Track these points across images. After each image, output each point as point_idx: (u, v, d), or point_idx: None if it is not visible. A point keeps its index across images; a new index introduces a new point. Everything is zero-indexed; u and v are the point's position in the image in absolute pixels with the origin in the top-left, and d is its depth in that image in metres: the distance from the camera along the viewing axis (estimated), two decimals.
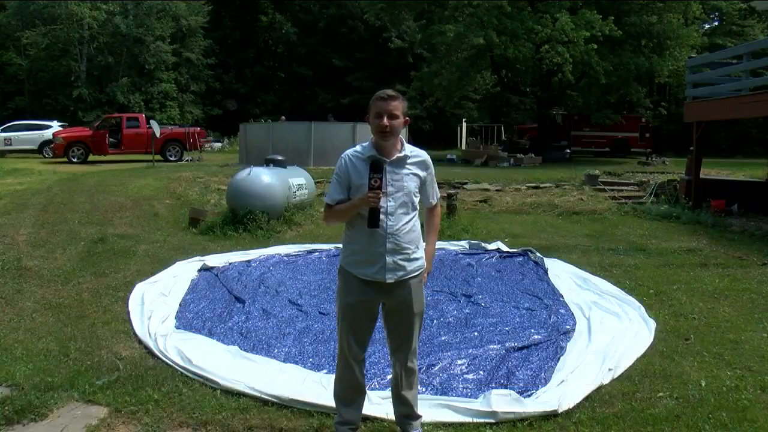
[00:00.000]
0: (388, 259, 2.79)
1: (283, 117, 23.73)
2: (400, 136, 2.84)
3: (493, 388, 3.52)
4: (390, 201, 2.77)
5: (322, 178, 12.42)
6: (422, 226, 3.01)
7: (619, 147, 26.42)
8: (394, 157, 2.81)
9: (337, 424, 3.03)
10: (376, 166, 2.70)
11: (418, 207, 2.90)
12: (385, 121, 2.73)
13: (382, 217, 2.75)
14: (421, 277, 2.95)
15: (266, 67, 39.87)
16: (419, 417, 3.07)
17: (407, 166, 2.84)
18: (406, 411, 3.02)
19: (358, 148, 2.89)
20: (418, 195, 2.90)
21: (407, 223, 2.83)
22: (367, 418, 3.18)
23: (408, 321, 2.91)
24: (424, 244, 3.01)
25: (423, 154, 2.93)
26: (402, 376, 2.96)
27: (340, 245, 3.00)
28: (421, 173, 2.89)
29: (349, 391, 2.99)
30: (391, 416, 3.13)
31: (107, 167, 17.26)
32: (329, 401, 3.18)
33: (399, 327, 2.93)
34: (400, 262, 2.82)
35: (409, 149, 2.88)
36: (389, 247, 2.78)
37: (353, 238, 2.86)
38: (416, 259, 2.89)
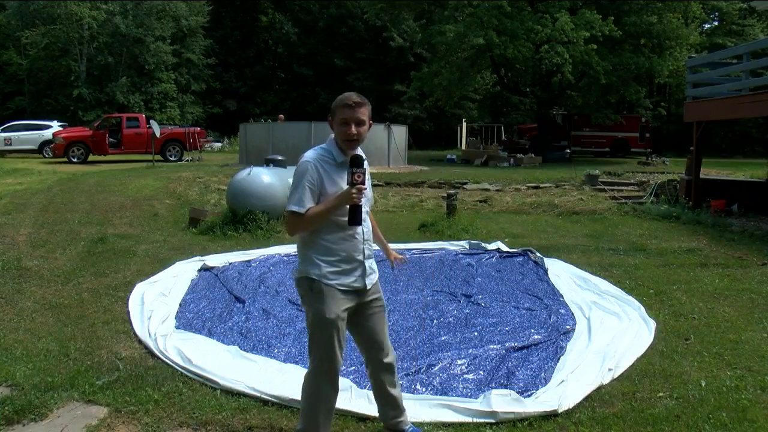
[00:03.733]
0: (366, 265, 2.77)
1: (281, 116, 23.62)
2: None
3: (493, 388, 3.52)
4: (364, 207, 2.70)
5: None
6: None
7: (619, 147, 26.46)
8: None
9: None
10: (357, 160, 2.60)
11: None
12: (353, 129, 2.65)
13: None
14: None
15: (266, 67, 39.90)
16: (404, 410, 3.01)
17: (364, 167, 2.69)
18: (394, 412, 2.97)
19: (320, 152, 2.71)
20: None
21: (370, 226, 2.85)
22: (366, 418, 3.18)
23: (382, 318, 2.90)
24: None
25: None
26: (386, 374, 2.91)
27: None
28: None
29: (329, 411, 2.80)
30: None
31: (107, 167, 17.26)
32: None
33: (377, 326, 2.87)
34: (373, 266, 2.83)
35: (359, 150, 2.75)
36: (366, 254, 2.78)
37: (329, 250, 2.69)
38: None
